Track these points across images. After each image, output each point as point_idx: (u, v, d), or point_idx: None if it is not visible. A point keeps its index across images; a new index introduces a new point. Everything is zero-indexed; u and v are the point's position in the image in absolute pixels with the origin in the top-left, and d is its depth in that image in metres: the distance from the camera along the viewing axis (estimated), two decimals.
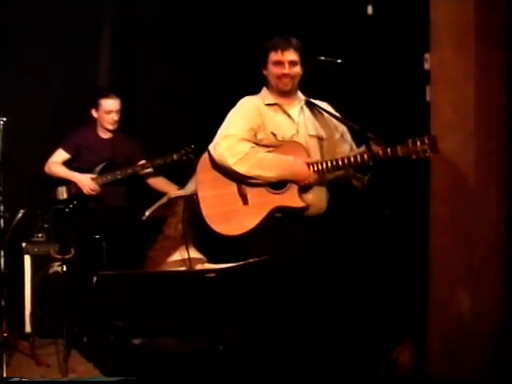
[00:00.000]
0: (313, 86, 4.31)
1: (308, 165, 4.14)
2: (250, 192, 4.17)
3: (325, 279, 4.08)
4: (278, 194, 4.15)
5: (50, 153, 5.64)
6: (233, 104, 4.32)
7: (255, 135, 4.22)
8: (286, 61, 4.23)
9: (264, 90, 4.37)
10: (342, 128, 4.36)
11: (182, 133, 5.89)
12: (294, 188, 4.16)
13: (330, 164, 4.11)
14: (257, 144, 4.21)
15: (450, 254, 4.38)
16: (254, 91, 4.37)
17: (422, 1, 4.48)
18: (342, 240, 4.49)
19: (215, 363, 3.53)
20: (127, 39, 6.17)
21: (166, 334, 3.23)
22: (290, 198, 4.14)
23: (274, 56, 4.26)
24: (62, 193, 5.57)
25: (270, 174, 4.14)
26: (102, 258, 5.22)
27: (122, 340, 3.41)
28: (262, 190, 4.18)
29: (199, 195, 4.20)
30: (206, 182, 4.23)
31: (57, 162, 5.61)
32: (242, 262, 3.01)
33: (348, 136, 4.38)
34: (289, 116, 4.30)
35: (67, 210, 5.52)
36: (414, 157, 3.97)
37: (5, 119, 5.01)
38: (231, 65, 5.84)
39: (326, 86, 4.24)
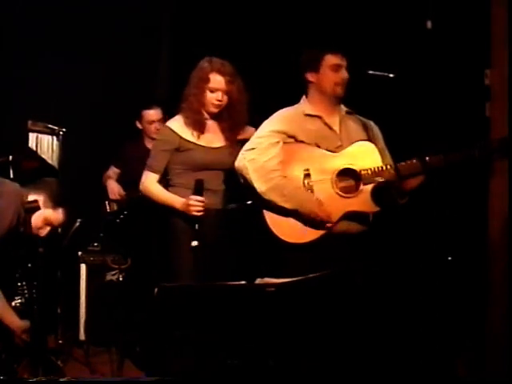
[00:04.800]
0: (363, 100, 4.25)
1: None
2: (321, 197, 3.97)
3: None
4: (351, 197, 3.98)
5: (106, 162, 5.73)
6: None
7: (292, 139, 4.09)
8: (344, 66, 4.07)
9: (303, 100, 4.19)
10: (381, 143, 4.21)
11: None
12: (367, 191, 3.98)
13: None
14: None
15: (509, 273, 4.32)
16: None
17: (483, 16, 4.44)
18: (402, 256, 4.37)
19: (264, 378, 3.48)
20: (185, 49, 6.18)
21: (221, 347, 3.20)
22: (364, 203, 3.97)
23: (333, 59, 4.07)
24: (113, 206, 5.65)
25: (286, 204, 3.99)
26: (155, 268, 5.25)
27: (177, 351, 3.40)
28: (332, 194, 3.99)
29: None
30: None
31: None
32: (303, 277, 3.01)
33: (386, 152, 4.21)
34: (330, 128, 4.14)
35: (118, 220, 5.55)
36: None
37: (64, 129, 5.10)
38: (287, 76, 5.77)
39: (377, 100, 4.17)
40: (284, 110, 4.20)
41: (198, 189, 4.25)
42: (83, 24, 5.94)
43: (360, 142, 4.07)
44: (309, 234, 3.97)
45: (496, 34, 4.39)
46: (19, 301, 4.40)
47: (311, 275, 3.05)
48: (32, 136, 5.08)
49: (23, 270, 4.12)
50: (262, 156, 4.04)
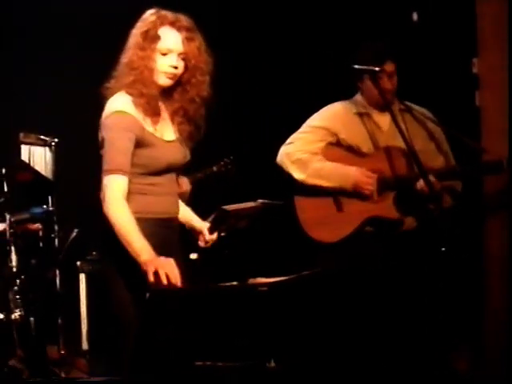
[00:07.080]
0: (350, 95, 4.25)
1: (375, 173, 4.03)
2: (345, 199, 4.09)
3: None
4: (374, 203, 4.04)
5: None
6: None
7: (333, 137, 4.13)
8: (390, 73, 4.04)
9: (358, 96, 4.20)
10: (440, 138, 4.16)
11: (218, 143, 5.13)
12: (389, 198, 4.02)
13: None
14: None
15: (505, 263, 4.32)
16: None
17: (468, 5, 4.44)
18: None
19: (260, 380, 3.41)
20: None
21: (214, 349, 3.17)
22: (386, 209, 4.02)
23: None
24: None
25: (329, 183, 4.07)
26: None
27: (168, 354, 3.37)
28: (354, 198, 4.08)
29: (295, 201, 4.16)
30: (304, 187, 4.17)
31: None
32: (295, 275, 2.99)
33: (446, 146, 4.17)
34: (378, 126, 4.13)
35: None
36: None
37: (56, 140, 5.09)
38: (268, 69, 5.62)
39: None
40: (335, 104, 4.23)
41: None
42: (78, 31, 5.85)
43: (389, 146, 4.08)
44: (339, 233, 4.06)
45: (482, 22, 4.40)
46: (19, 313, 4.38)
47: (303, 273, 3.05)
48: (24, 148, 5.08)
49: (18, 282, 4.10)
50: (298, 151, 4.13)
